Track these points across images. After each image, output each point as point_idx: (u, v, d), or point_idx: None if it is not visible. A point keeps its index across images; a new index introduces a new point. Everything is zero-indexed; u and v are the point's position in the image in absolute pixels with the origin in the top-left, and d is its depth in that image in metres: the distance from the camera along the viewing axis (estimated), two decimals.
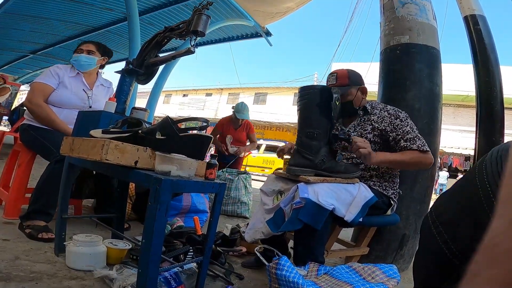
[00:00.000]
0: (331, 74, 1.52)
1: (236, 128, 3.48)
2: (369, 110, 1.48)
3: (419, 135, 1.38)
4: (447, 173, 13.25)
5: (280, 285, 0.99)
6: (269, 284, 1.04)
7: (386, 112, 1.44)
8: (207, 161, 1.18)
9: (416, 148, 1.34)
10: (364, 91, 1.52)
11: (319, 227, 1.11)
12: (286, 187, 1.33)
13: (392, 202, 1.44)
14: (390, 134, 1.40)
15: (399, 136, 1.38)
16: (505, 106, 2.34)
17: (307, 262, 1.17)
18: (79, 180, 1.75)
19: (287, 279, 0.97)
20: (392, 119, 1.41)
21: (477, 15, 2.41)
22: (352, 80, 1.48)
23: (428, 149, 1.35)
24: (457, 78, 11.70)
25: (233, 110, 3.44)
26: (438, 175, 12.73)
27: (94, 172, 1.83)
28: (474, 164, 0.88)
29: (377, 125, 1.44)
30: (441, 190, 12.12)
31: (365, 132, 1.45)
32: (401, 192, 1.50)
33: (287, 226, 1.15)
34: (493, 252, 0.21)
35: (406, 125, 1.39)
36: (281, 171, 1.46)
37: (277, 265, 1.01)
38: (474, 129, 2.39)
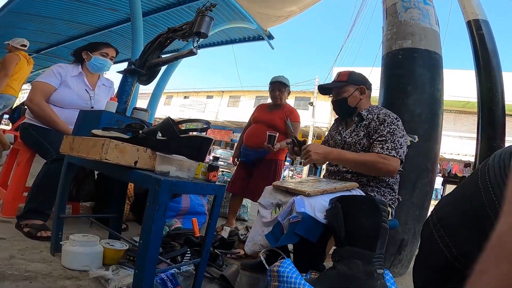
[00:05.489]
0: (338, 72, 1.59)
1: (272, 110, 2.44)
2: (364, 116, 1.47)
3: (395, 140, 1.32)
4: (442, 178, 13.42)
5: (280, 282, 0.99)
6: (269, 283, 1.04)
7: (375, 116, 1.43)
8: (209, 162, 1.17)
9: (378, 150, 1.31)
10: (363, 91, 1.52)
11: (315, 240, 1.11)
12: (284, 200, 1.31)
13: (389, 208, 1.42)
14: (371, 138, 1.40)
15: (373, 140, 1.37)
16: (506, 113, 2.34)
17: (307, 270, 1.16)
18: (78, 183, 1.74)
19: (287, 275, 0.98)
20: (377, 124, 1.39)
21: (480, 20, 2.42)
22: (352, 78, 1.52)
23: (394, 154, 1.30)
24: (458, 84, 11.72)
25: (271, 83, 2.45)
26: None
27: (96, 174, 1.82)
28: (476, 168, 0.87)
29: (367, 130, 1.43)
30: (436, 195, 12.22)
31: (358, 138, 1.44)
32: (400, 198, 1.48)
33: (284, 240, 1.14)
34: (500, 250, 0.21)
35: (384, 129, 1.35)
36: (278, 183, 1.43)
37: (281, 263, 1.03)
38: (474, 135, 2.38)
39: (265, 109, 2.50)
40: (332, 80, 1.59)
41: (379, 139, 1.34)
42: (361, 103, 1.51)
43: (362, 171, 1.38)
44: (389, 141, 1.32)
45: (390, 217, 1.45)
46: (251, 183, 2.32)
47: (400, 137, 1.35)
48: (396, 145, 1.31)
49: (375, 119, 1.42)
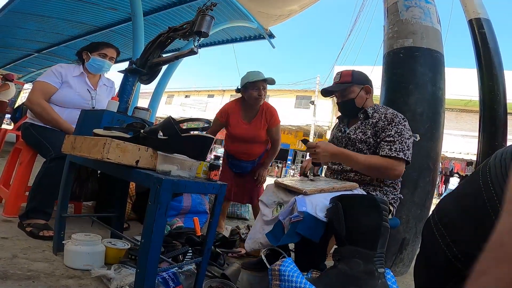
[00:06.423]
0: (338, 73, 1.55)
1: (251, 120, 2.14)
2: (369, 114, 1.46)
3: (404, 141, 1.32)
4: (458, 179, 13.06)
5: (281, 280, 0.99)
6: (270, 282, 1.04)
7: (383, 116, 1.41)
8: (210, 161, 1.17)
9: (386, 152, 1.31)
10: (368, 90, 1.51)
11: (318, 240, 1.11)
12: (286, 199, 1.31)
13: (391, 207, 1.41)
14: (378, 137, 1.39)
15: (380, 139, 1.37)
16: (508, 111, 2.33)
17: (308, 269, 1.16)
18: (82, 182, 1.74)
19: (288, 274, 0.98)
20: (385, 124, 1.38)
21: (482, 18, 2.41)
22: (355, 78, 1.50)
23: (402, 156, 1.30)
24: (460, 83, 11.69)
25: (241, 85, 2.10)
26: (449, 181, 12.68)
27: (99, 173, 1.83)
28: (477, 167, 0.87)
29: (375, 129, 1.42)
30: None
31: (365, 136, 1.42)
32: (402, 197, 1.48)
33: (286, 240, 1.14)
34: (500, 250, 0.21)
35: (392, 129, 1.35)
36: (280, 180, 1.41)
37: (282, 262, 1.03)
38: (476, 134, 2.38)
39: (240, 119, 2.15)
40: (333, 80, 1.56)
41: (387, 139, 1.33)
42: (367, 102, 1.51)
43: (369, 174, 1.38)
44: (397, 142, 1.31)
45: (390, 216, 1.45)
46: (246, 188, 2.24)
47: (408, 138, 1.34)
48: (404, 147, 1.31)
49: (382, 118, 1.40)
